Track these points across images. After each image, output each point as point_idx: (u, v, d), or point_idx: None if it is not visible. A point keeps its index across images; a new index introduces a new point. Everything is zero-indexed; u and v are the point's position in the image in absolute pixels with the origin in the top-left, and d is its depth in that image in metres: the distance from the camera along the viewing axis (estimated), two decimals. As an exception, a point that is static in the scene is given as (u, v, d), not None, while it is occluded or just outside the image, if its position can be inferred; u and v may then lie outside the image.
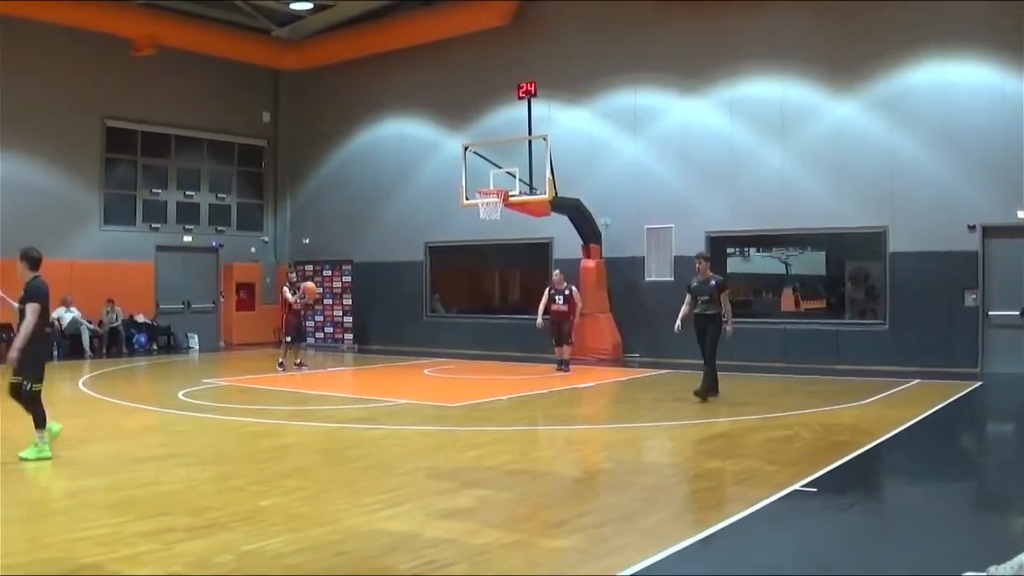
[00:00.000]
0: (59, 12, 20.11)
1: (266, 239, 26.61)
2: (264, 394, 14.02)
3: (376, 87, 24.42)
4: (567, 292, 16.83)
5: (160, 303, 23.89)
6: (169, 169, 24.54)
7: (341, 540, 5.73)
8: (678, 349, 18.92)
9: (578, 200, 19.17)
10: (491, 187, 18.44)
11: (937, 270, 16.65)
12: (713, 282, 12.54)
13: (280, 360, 17.74)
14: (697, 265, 12.85)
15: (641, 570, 5.12)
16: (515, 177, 18.41)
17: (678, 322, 12.76)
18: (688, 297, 12.75)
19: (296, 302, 17.94)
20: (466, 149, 19.39)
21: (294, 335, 18.09)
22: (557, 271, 17.45)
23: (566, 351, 16.95)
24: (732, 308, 12.85)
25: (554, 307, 16.85)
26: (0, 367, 10.21)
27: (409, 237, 23.56)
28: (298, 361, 18.01)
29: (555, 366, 17.04)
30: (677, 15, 19.47)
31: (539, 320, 16.90)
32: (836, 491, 7.20)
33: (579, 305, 17.06)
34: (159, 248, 23.97)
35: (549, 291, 16.92)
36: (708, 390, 12.41)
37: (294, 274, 19.19)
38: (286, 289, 18.16)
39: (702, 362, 12.71)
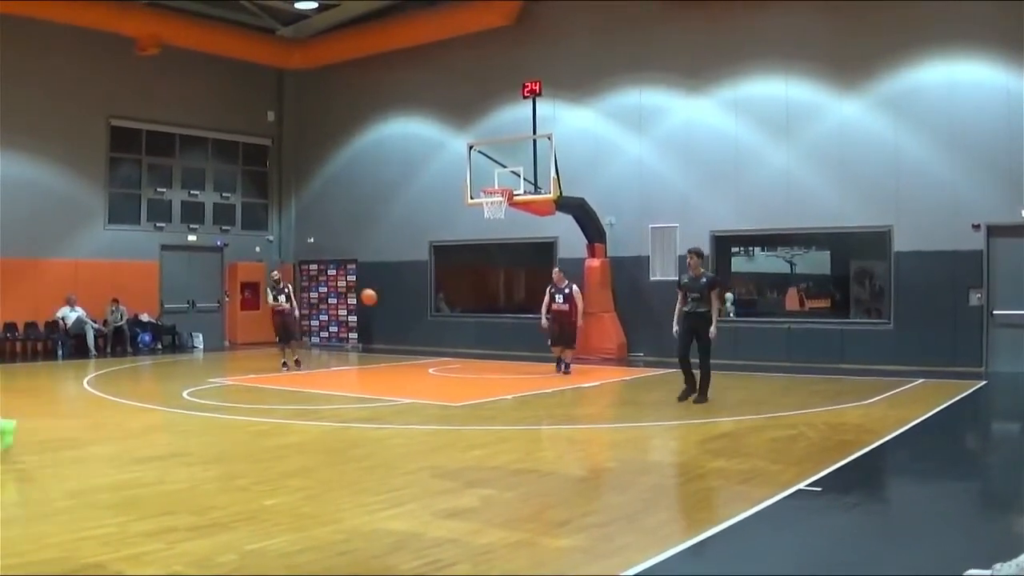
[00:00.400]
0: (63, 11, 20.15)
1: (271, 238, 26.65)
2: (268, 394, 14.03)
3: (381, 86, 24.43)
4: (567, 291, 16.25)
5: (164, 302, 23.94)
6: (174, 168, 24.59)
7: (344, 540, 5.73)
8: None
9: (582, 199, 19.17)
10: (496, 186, 18.45)
11: (942, 269, 16.63)
12: (704, 279, 12.02)
13: (283, 360, 17.68)
14: (689, 260, 12.30)
15: (645, 570, 5.11)
16: (520, 176, 18.41)
17: (675, 324, 12.24)
18: (679, 294, 12.24)
19: (277, 303, 17.61)
20: (471, 148, 19.39)
21: (281, 335, 17.85)
22: (557, 269, 16.92)
23: (568, 354, 16.40)
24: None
25: (555, 306, 16.26)
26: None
27: (414, 236, 23.57)
28: (296, 359, 17.87)
29: (556, 366, 16.51)
30: (681, 14, 19.46)
31: (543, 321, 16.33)
32: (840, 491, 7.18)
33: (580, 306, 16.34)
34: (164, 247, 24.02)
35: (550, 290, 16.41)
36: (695, 390, 12.05)
37: (277, 272, 18.89)
38: (269, 291, 17.97)
39: (679, 361, 12.18)
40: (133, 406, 12.46)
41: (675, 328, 12.26)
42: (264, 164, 26.69)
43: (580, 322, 16.55)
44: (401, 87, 24.04)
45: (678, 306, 12.19)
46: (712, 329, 11.86)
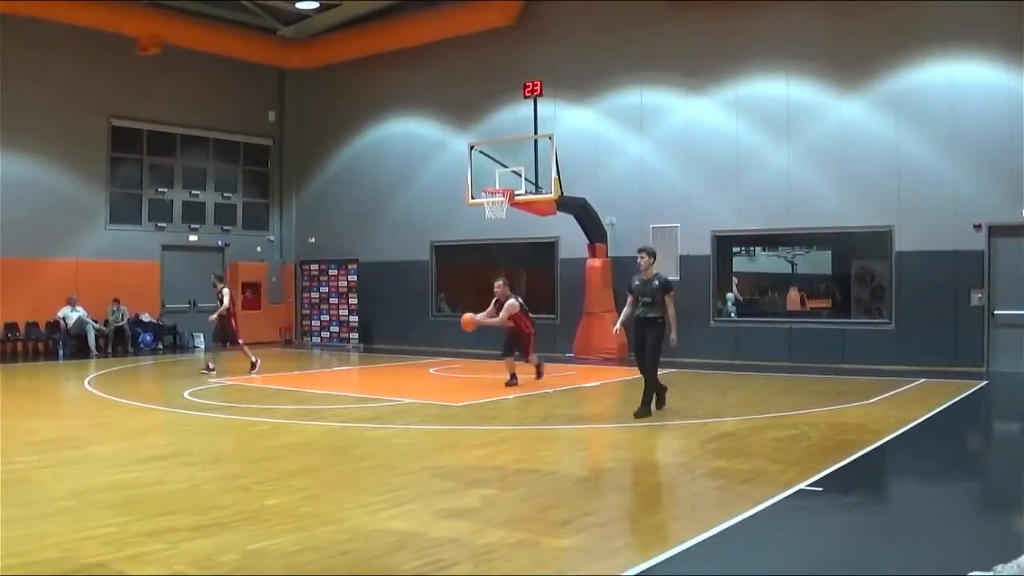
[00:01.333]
0: (65, 11, 20.16)
1: (272, 238, 26.65)
2: (269, 393, 14.03)
3: (382, 86, 24.43)
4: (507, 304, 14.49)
5: (166, 302, 23.95)
6: (175, 168, 24.60)
7: (346, 539, 5.73)
8: (684, 349, 18.90)
9: (584, 199, 19.18)
10: (497, 186, 18.47)
11: (943, 269, 16.63)
12: (656, 282, 10.89)
13: (251, 362, 16.84)
14: (639, 261, 11.12)
15: (646, 569, 5.11)
16: (521, 176, 18.42)
17: (617, 324, 11.48)
18: (630, 298, 11.20)
19: (221, 307, 16.91)
20: (472, 148, 19.41)
21: (223, 338, 17.25)
22: (500, 281, 14.87)
23: (533, 359, 14.90)
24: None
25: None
26: None
27: (415, 236, 23.58)
28: (253, 361, 16.90)
29: (508, 380, 14.43)
30: (683, 14, 19.46)
31: (492, 319, 14.62)
32: (841, 490, 7.18)
33: (504, 315, 14.48)
34: (165, 247, 24.03)
35: (495, 303, 14.71)
36: (657, 402, 11.03)
37: (214, 276, 17.76)
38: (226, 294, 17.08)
39: (642, 369, 11.01)
40: (134, 406, 12.46)
41: (616, 328, 11.60)
42: (265, 164, 26.69)
43: (486, 322, 14.71)
44: (402, 87, 24.05)
45: (626, 310, 11.28)
46: (673, 336, 10.83)
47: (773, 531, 6.09)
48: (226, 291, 17.12)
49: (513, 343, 14.72)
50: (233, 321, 17.28)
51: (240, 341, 17.36)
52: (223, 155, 25.62)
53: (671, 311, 10.87)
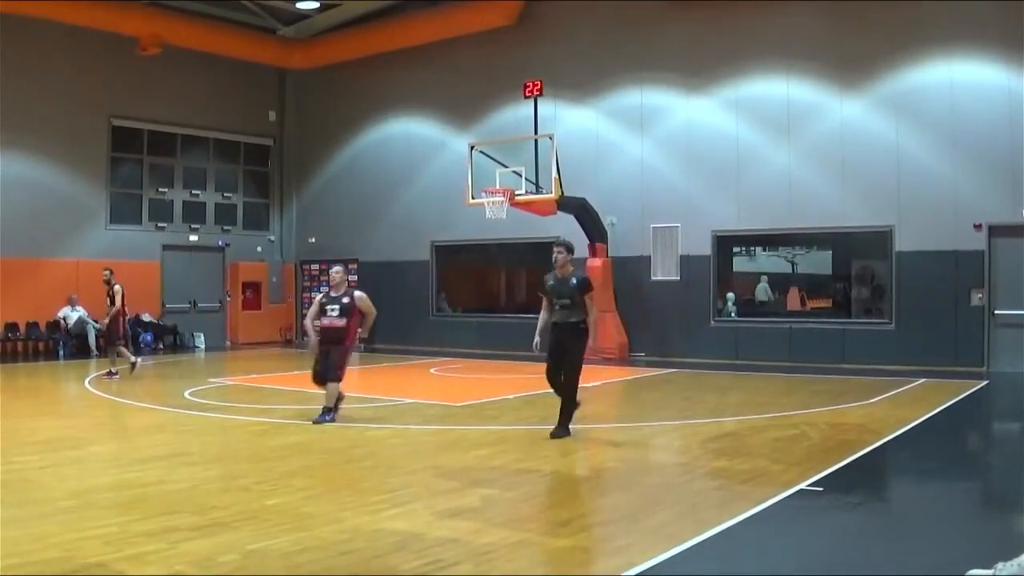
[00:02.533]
0: (65, 11, 20.15)
1: (272, 238, 26.65)
2: (270, 393, 14.03)
3: (382, 86, 24.43)
4: (345, 300, 10.92)
5: (166, 302, 23.95)
6: (175, 168, 24.59)
7: (346, 539, 5.73)
8: (685, 349, 18.95)
9: (584, 199, 19.17)
10: (497, 186, 18.47)
11: (943, 269, 16.64)
12: (574, 280, 9.54)
13: (111, 369, 15.97)
14: (555, 256, 9.64)
15: (646, 569, 5.11)
16: (521, 176, 18.42)
17: (536, 337, 10.11)
18: (544, 301, 9.83)
19: (112, 307, 15.90)
20: (472, 148, 19.41)
21: (110, 339, 16.23)
22: (337, 268, 11.59)
23: (331, 389, 10.66)
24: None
25: (325, 321, 10.87)
26: None
27: (415, 236, 23.57)
28: (112, 370, 15.99)
29: (321, 414, 10.57)
30: (683, 15, 19.46)
31: (310, 337, 11.14)
32: (842, 490, 7.18)
33: (370, 317, 11.20)
34: (165, 247, 24.03)
35: (320, 299, 11.18)
36: (564, 426, 9.65)
37: (107, 271, 16.28)
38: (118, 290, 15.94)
39: (551, 385, 9.89)
40: (134, 406, 12.46)
41: (536, 340, 10.22)
42: (265, 164, 26.69)
43: (353, 342, 11.15)
44: (402, 87, 24.04)
45: (542, 315, 9.87)
46: (591, 342, 9.69)
47: (773, 531, 6.08)
48: (118, 287, 15.97)
49: (329, 356, 10.81)
50: (122, 320, 16.32)
51: (123, 343, 16.31)
52: (223, 155, 25.61)
53: (592, 313, 9.65)
